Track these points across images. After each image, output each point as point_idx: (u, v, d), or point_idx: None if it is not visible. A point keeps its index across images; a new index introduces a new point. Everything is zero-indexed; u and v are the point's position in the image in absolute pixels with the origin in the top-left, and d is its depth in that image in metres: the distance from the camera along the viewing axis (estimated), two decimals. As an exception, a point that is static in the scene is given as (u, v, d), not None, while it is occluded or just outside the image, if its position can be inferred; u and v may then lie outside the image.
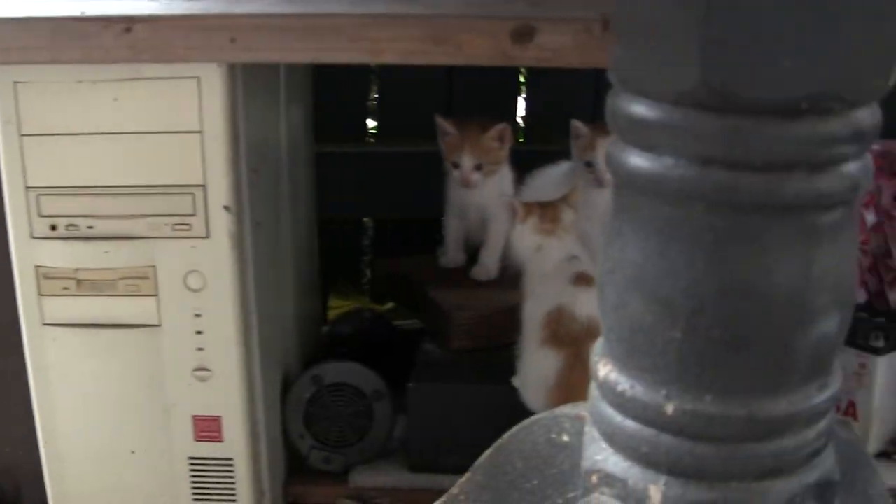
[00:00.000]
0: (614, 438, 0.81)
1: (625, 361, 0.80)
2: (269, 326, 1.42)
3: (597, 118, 1.42)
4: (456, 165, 1.63)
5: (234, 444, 1.37)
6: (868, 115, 0.72)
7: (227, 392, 1.35)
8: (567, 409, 0.94)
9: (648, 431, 0.78)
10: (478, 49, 1.17)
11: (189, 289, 1.30)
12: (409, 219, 2.08)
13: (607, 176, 1.44)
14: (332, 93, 1.90)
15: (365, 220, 2.20)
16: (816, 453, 0.79)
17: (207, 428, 1.36)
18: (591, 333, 1.31)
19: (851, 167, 0.72)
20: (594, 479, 0.82)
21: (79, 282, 1.31)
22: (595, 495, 0.82)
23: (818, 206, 0.72)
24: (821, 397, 0.78)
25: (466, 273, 1.70)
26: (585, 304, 1.34)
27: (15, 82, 1.24)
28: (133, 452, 1.38)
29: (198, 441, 1.37)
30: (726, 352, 0.74)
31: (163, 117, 1.25)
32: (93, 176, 1.27)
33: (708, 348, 0.74)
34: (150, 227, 1.28)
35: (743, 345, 0.74)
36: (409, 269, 1.76)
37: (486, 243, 1.69)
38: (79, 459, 1.39)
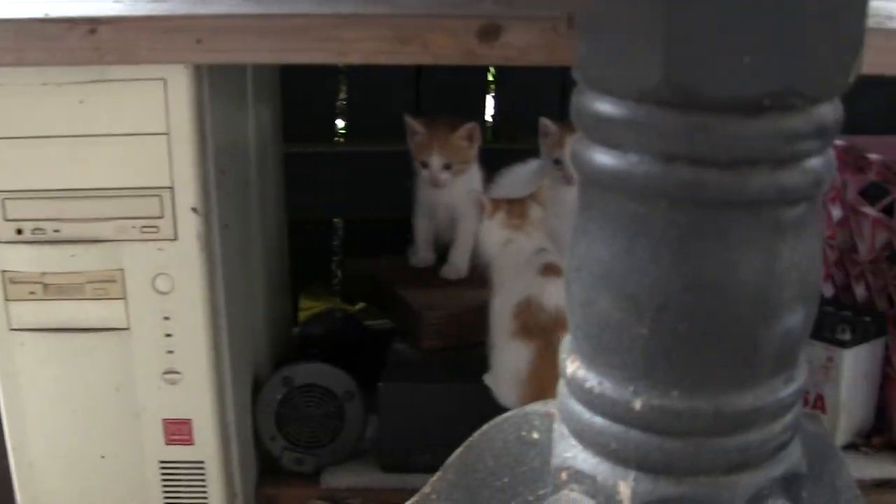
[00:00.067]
0: (583, 435, 0.82)
1: (592, 358, 0.80)
2: (239, 328, 1.41)
3: (565, 116, 1.41)
4: (425, 165, 1.63)
5: (206, 446, 1.36)
6: (830, 111, 0.73)
7: (197, 395, 1.34)
8: (537, 407, 0.94)
9: (617, 428, 0.78)
10: (444, 48, 1.17)
11: (157, 291, 1.29)
12: (379, 219, 2.07)
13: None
14: (300, 93, 1.89)
15: (335, 220, 2.19)
16: (783, 446, 0.80)
17: (178, 431, 1.35)
18: (560, 323, 1.31)
19: (814, 163, 0.73)
20: (564, 475, 0.82)
21: (46, 286, 1.29)
22: (565, 492, 0.82)
23: (782, 202, 0.72)
24: (787, 391, 0.79)
25: (436, 272, 1.69)
26: (554, 295, 1.34)
27: (-21, 85, 1.23)
28: (103, 457, 1.37)
29: (169, 444, 1.36)
30: (692, 347, 0.75)
31: (129, 119, 1.24)
32: (59, 179, 1.26)
33: (674, 344, 0.75)
34: (118, 229, 1.27)
35: (709, 340, 0.75)
36: (379, 269, 1.76)
37: (455, 243, 1.68)
38: (48, 465, 1.38)
